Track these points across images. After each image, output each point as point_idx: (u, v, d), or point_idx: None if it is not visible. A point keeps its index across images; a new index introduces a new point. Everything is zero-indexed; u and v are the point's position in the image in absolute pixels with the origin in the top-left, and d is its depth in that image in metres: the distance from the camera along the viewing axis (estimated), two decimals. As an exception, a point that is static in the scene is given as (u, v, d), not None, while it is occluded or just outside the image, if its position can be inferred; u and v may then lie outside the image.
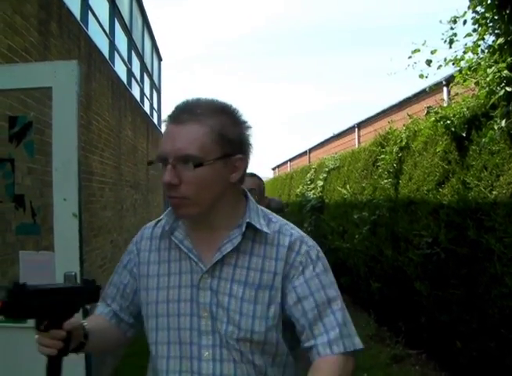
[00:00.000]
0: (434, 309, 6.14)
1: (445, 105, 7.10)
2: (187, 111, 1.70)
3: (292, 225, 1.91)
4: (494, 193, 4.97)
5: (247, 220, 1.78)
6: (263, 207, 1.93)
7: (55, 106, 3.55)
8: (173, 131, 1.70)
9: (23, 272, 3.64)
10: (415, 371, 6.60)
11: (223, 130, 1.69)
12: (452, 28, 5.31)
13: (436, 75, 6.18)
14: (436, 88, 12.58)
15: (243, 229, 1.76)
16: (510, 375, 4.70)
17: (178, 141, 1.66)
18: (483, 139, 4.98)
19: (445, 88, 13.43)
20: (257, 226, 1.77)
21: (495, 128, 4.77)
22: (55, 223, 3.51)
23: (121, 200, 11.50)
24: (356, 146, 22.26)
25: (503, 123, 4.58)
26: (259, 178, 4.06)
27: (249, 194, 1.92)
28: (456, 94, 6.86)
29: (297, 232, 1.85)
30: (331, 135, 28.89)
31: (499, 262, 4.79)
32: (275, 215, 1.93)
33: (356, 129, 24.60)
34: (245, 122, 1.78)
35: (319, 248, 1.86)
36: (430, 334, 6.50)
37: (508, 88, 4.51)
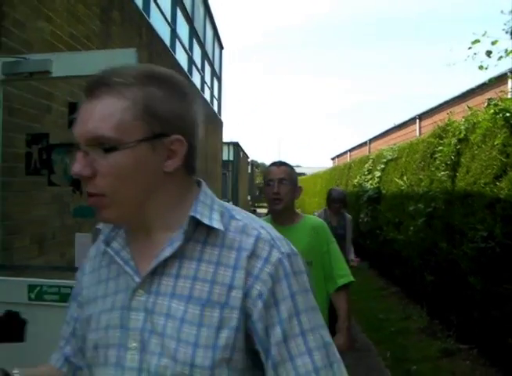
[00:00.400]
0: (486, 304, 6.08)
1: (508, 96, 6.98)
2: (103, 82, 1.29)
3: (266, 224, 1.41)
4: (551, 188, 4.89)
5: (191, 214, 1.32)
6: (224, 202, 1.46)
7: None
8: (85, 109, 1.29)
9: (78, 254, 3.77)
10: (465, 366, 6.55)
11: (151, 103, 1.27)
12: (512, 20, 5.23)
13: (498, 66, 6.10)
14: (500, 79, 12.33)
15: (186, 226, 1.31)
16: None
17: (90, 120, 1.26)
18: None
19: (510, 80, 13.14)
20: (205, 221, 1.31)
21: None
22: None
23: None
24: (417, 137, 22.04)
25: None
26: (290, 167, 3.93)
27: (204, 184, 1.45)
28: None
29: (267, 232, 1.35)
30: (392, 125, 28.65)
31: (553, 258, 4.72)
32: (243, 211, 1.45)
33: (417, 120, 24.31)
34: (186, 95, 1.34)
35: (298, 256, 1.35)
36: (482, 330, 6.44)
37: None
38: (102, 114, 1.24)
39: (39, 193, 4.73)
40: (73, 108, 3.93)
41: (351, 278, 3.89)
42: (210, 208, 1.36)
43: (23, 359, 3.67)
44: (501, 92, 6.06)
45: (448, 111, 18.13)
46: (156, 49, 9.46)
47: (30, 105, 4.66)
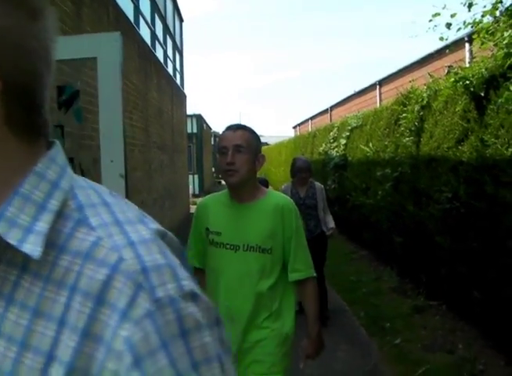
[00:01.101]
0: (453, 261, 6.44)
1: (466, 62, 7.28)
2: None
3: (153, 236, 0.79)
4: (510, 150, 5.22)
5: None
6: (96, 184, 0.90)
7: (100, 75, 3.84)
8: None
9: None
10: (435, 321, 6.92)
11: None
12: (470, -8, 5.51)
13: (458, 32, 6.34)
14: (458, 44, 12.64)
15: None
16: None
17: None
18: (499, 100, 5.23)
19: (467, 45, 13.44)
20: (10, 241, 0.73)
21: (511, 89, 5.01)
22: (103, 183, 3.82)
23: (150, 162, 11.86)
24: (378, 103, 22.33)
25: (517, 84, 4.82)
26: (250, 131, 3.14)
27: (53, 152, 0.83)
28: (475, 54, 7.02)
29: (138, 255, 0.74)
30: (352, 92, 28.87)
31: (514, 216, 5.08)
32: (123, 203, 0.86)
33: (378, 86, 24.52)
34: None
35: (199, 300, 0.75)
36: (449, 286, 6.81)
37: (523, 51, 4.73)
38: None
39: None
40: (61, 91, 4.12)
41: (310, 273, 3.10)
42: (37, 208, 0.77)
43: None
44: (459, 60, 6.34)
45: (408, 77, 18.49)
46: (122, 27, 9.55)
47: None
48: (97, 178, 3.84)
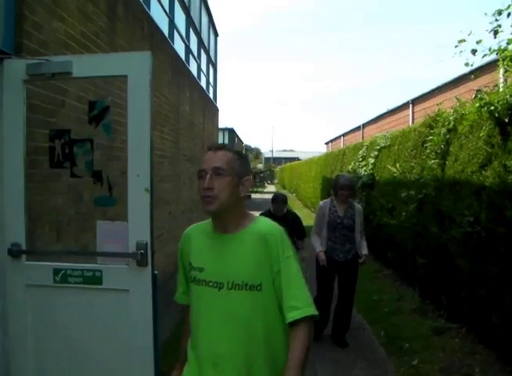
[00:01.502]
0: (473, 285, 6.47)
1: (500, 84, 7.31)
2: None
3: None
4: (531, 177, 5.26)
5: None
6: None
7: (130, 92, 4.00)
8: None
9: (99, 240, 4.12)
10: (454, 344, 6.93)
11: None
12: (496, 20, 5.58)
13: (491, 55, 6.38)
14: (492, 66, 12.60)
15: None
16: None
17: None
18: (520, 127, 5.28)
19: (501, 66, 13.33)
20: None
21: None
22: (128, 197, 3.97)
23: (179, 174, 12.02)
24: (410, 122, 22.34)
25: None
26: (233, 152, 2.78)
27: None
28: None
29: None
30: (385, 110, 28.89)
31: (533, 242, 5.12)
32: None
33: (410, 105, 24.56)
34: None
35: None
36: (469, 309, 6.83)
37: (546, 80, 4.80)
38: None
39: (56, 183, 5.06)
40: (92, 106, 4.28)
41: (308, 311, 2.56)
42: None
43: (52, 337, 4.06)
44: (485, 86, 6.39)
45: (441, 97, 18.46)
46: (156, 40, 9.76)
47: (47, 101, 4.97)
48: (124, 191, 4.00)
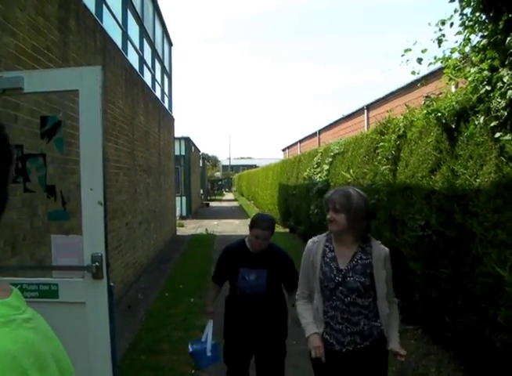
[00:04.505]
0: (426, 287, 6.62)
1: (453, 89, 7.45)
2: None
3: None
4: (478, 180, 5.43)
5: None
6: None
7: (81, 106, 4.03)
8: None
9: (54, 254, 4.14)
10: (410, 345, 7.05)
11: None
12: (440, 29, 5.76)
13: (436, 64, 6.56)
14: (440, 72, 12.83)
15: None
16: (490, 346, 5.18)
17: None
18: (465, 133, 5.46)
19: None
20: None
21: (476, 123, 5.25)
22: (83, 210, 4.00)
23: (135, 184, 12.02)
24: (365, 128, 22.60)
25: (482, 119, 5.07)
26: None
27: None
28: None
29: None
30: (340, 116, 29.14)
31: (480, 244, 5.28)
32: None
33: (365, 111, 24.80)
34: None
35: None
36: (423, 310, 6.99)
37: (488, 87, 4.97)
38: None
39: (10, 198, 5.05)
40: (44, 121, 4.30)
41: None
42: None
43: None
44: (434, 93, 6.57)
45: (395, 101, 18.70)
46: (109, 52, 9.76)
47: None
48: (77, 205, 4.03)
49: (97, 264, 3.96)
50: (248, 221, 5.36)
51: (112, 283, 4.16)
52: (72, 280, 4.07)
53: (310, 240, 4.12)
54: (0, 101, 4.89)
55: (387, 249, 3.98)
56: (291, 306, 4.98)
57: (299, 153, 28.76)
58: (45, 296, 4.03)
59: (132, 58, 12.80)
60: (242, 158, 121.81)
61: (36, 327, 0.98)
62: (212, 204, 47.66)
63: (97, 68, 4.11)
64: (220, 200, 55.04)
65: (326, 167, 13.47)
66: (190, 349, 5.26)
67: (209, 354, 5.10)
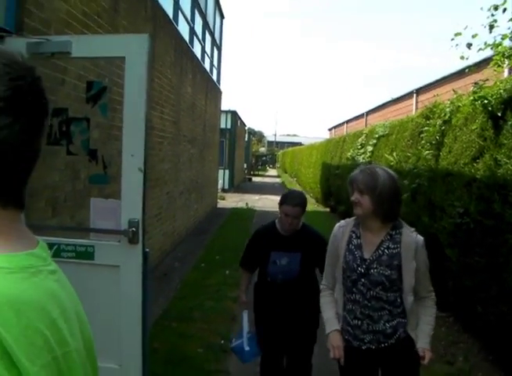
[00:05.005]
0: (460, 275, 6.59)
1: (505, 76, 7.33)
2: None
3: None
4: (520, 171, 5.37)
5: None
6: None
7: (127, 73, 4.09)
8: None
9: (93, 217, 4.24)
10: (440, 332, 7.03)
11: None
12: (492, 15, 5.66)
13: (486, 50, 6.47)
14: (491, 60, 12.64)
15: None
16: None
17: None
18: (510, 122, 5.37)
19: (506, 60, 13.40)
20: None
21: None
22: (122, 176, 4.08)
23: (178, 154, 12.12)
24: (413, 112, 22.34)
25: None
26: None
27: None
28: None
29: None
30: (389, 99, 28.88)
31: (517, 235, 5.23)
32: None
33: (414, 95, 24.53)
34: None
35: None
36: (456, 298, 6.96)
37: (537, 76, 4.89)
38: None
39: (54, 160, 5.16)
40: (90, 86, 4.39)
41: None
42: None
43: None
44: (484, 80, 6.48)
45: (446, 87, 18.42)
46: (159, 21, 9.81)
47: (46, 79, 5.06)
48: (118, 171, 4.11)
49: (133, 229, 4.04)
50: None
51: (147, 249, 4.24)
52: (108, 243, 4.16)
53: (337, 225, 3.75)
54: (48, 64, 4.97)
55: (420, 238, 3.50)
56: None
57: (345, 133, 28.63)
58: (81, 257, 4.13)
59: (183, 29, 12.85)
60: (288, 135, 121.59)
61: (59, 280, 1.02)
62: (255, 179, 47.77)
63: (144, 36, 4.16)
64: (263, 176, 55.14)
65: (369, 148, 13.42)
66: (231, 344, 5.02)
67: (247, 348, 4.74)
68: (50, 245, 3.65)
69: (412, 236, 3.46)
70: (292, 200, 4.53)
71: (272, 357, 4.80)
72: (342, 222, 3.74)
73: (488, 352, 6.21)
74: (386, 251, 3.42)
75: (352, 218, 3.66)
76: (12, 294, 0.83)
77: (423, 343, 3.40)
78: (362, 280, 3.40)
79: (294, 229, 4.59)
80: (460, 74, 18.62)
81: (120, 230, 4.06)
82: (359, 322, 3.43)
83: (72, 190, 5.75)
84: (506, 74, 12.63)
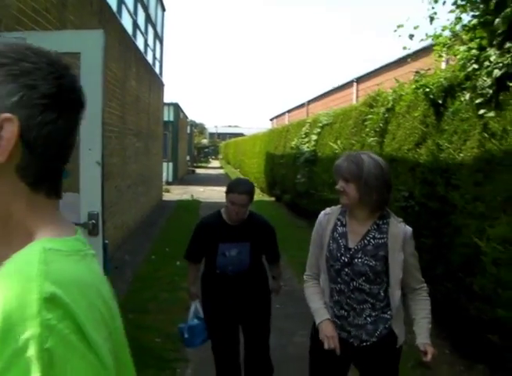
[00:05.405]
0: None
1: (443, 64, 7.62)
2: None
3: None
4: (461, 155, 5.64)
5: None
6: None
7: (83, 68, 4.16)
8: None
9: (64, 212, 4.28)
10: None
11: None
12: (433, 7, 5.92)
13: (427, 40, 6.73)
14: (430, 49, 12.99)
15: None
16: (466, 313, 5.44)
17: None
18: (451, 109, 5.65)
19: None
20: None
21: (462, 99, 5.45)
22: (81, 169, 4.16)
23: (125, 148, 12.13)
24: (354, 100, 22.71)
25: (468, 96, 5.26)
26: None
27: None
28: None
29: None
30: (330, 88, 29.16)
31: (460, 216, 5.51)
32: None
33: (355, 83, 24.86)
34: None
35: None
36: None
37: (475, 66, 5.16)
38: None
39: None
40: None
41: None
42: None
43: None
44: (426, 70, 6.75)
45: (385, 75, 18.81)
46: (104, 16, 9.81)
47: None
48: (76, 164, 4.18)
49: (93, 221, 4.12)
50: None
51: (106, 241, 4.33)
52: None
53: (322, 212, 3.60)
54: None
55: (409, 228, 3.42)
56: (272, 278, 4.86)
57: (287, 123, 28.83)
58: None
59: (126, 22, 12.84)
60: (229, 126, 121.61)
61: (97, 263, 1.10)
62: (198, 171, 47.74)
63: (99, 32, 4.25)
64: (206, 168, 55.11)
65: (314, 137, 13.64)
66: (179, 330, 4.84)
67: (186, 336, 4.68)
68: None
69: (399, 227, 3.36)
70: (238, 187, 4.38)
71: (225, 346, 4.60)
72: (328, 209, 3.60)
73: (440, 330, 6.47)
74: (372, 240, 3.31)
75: (338, 206, 3.52)
76: (75, 275, 0.92)
77: (423, 338, 3.24)
78: (346, 269, 3.29)
79: (242, 219, 4.45)
80: (399, 63, 19.03)
81: (80, 223, 4.13)
82: (346, 313, 3.33)
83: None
84: (444, 63, 13.05)
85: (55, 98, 0.98)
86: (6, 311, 0.78)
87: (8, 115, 0.92)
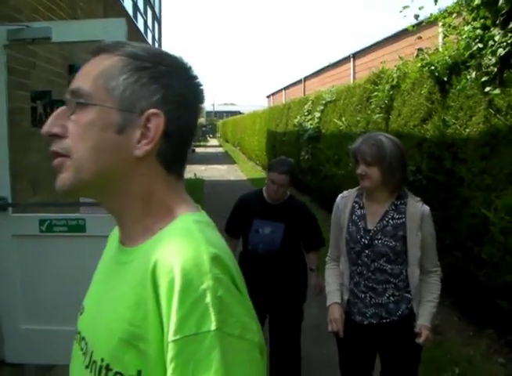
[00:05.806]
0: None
1: (440, 39, 7.79)
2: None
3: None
4: (467, 130, 5.88)
5: None
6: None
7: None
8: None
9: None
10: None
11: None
12: (438, -13, 6.10)
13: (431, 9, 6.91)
14: (433, 21, 13.06)
15: None
16: (474, 281, 5.69)
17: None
18: (456, 86, 5.87)
19: (440, 23, 13.79)
20: None
21: (468, 77, 5.67)
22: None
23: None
24: (351, 76, 22.82)
25: (473, 74, 5.48)
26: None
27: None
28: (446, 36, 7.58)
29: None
30: (326, 64, 29.12)
31: (468, 188, 5.75)
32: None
33: (352, 59, 24.87)
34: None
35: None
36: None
37: (480, 45, 5.37)
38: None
39: (35, 141, 5.38)
40: (71, 69, 4.63)
41: None
42: None
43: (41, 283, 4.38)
44: (433, 37, 6.93)
45: (381, 51, 18.91)
46: (108, 1, 9.97)
47: (21, 63, 5.26)
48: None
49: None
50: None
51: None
52: (98, 215, 4.39)
53: (340, 195, 3.64)
54: (21, 49, 5.15)
55: (426, 208, 3.34)
56: (310, 270, 4.74)
57: (284, 100, 28.86)
58: (73, 230, 4.37)
59: (127, 5, 12.98)
60: (225, 104, 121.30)
61: None
62: (198, 149, 47.82)
63: (121, 20, 4.42)
64: (205, 146, 55.12)
65: (317, 114, 13.74)
66: None
67: None
68: (42, 221, 3.92)
69: (417, 206, 3.32)
70: (279, 167, 4.42)
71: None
72: (345, 192, 3.63)
73: (446, 298, 6.72)
74: (390, 221, 3.30)
75: (355, 189, 3.55)
76: (221, 241, 1.15)
77: (422, 320, 3.24)
78: (366, 251, 3.30)
79: (281, 199, 4.50)
80: (395, 38, 19.14)
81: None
82: (364, 295, 3.34)
83: (48, 169, 5.93)
84: (440, 39, 13.18)
85: (185, 95, 1.20)
86: (185, 269, 1.01)
87: (155, 110, 1.13)
